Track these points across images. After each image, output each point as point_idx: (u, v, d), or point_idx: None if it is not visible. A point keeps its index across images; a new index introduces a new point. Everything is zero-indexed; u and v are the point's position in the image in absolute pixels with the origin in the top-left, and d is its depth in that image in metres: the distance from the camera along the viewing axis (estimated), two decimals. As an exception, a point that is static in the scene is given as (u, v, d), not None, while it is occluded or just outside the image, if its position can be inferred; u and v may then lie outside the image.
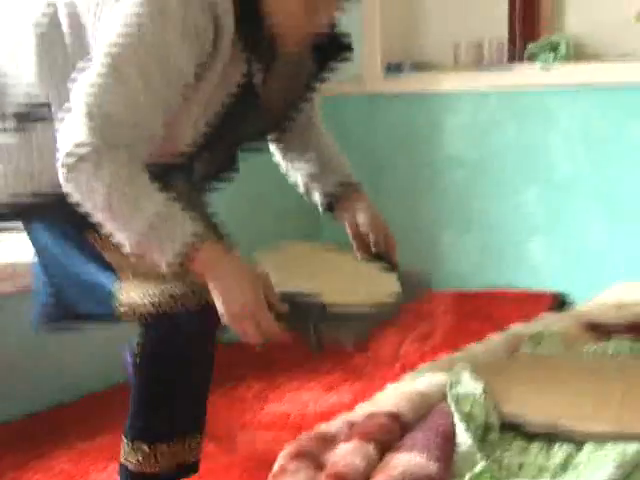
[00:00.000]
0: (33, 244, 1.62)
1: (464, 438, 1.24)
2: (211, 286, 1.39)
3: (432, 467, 1.14)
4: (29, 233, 1.60)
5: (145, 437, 1.46)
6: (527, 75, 2.89)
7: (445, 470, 1.16)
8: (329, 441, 1.21)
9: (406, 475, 1.10)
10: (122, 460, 1.47)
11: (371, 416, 1.26)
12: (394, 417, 1.27)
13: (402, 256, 2.79)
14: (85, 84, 1.35)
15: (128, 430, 1.48)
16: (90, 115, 1.34)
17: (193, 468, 1.48)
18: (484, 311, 2.85)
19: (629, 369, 1.56)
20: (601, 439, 1.25)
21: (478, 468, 1.17)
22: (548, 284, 2.93)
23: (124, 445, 1.48)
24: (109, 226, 1.39)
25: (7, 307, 2.24)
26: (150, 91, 1.39)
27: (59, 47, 1.45)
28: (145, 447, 1.44)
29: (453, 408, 1.32)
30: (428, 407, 1.35)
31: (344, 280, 1.60)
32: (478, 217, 3.18)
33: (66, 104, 1.38)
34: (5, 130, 1.49)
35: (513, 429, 1.32)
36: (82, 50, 1.43)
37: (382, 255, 1.70)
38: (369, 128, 3.28)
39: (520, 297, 2.90)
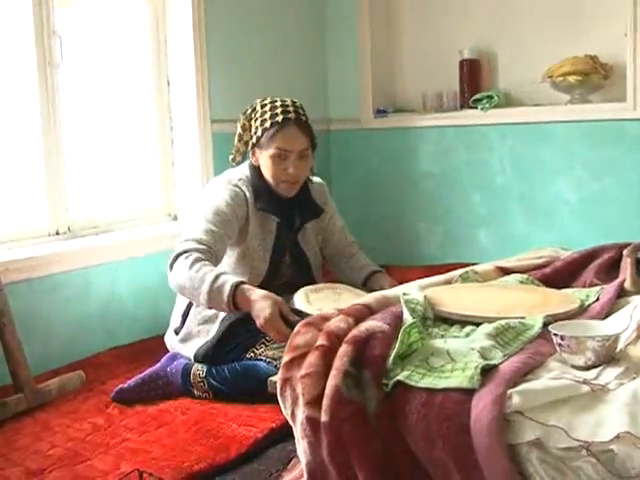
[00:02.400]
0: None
1: (408, 317, 1.61)
2: (251, 313, 2.18)
3: (384, 326, 1.54)
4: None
5: None
6: (473, 116, 3.66)
7: (392, 330, 1.55)
8: (326, 318, 1.65)
9: (368, 328, 1.53)
10: None
11: (352, 305, 1.70)
12: (366, 306, 1.71)
13: (390, 241, 3.64)
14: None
15: None
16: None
17: None
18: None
19: (510, 288, 2.02)
20: (489, 320, 1.66)
21: (409, 322, 1.55)
22: (490, 259, 3.27)
23: None
24: (193, 297, 2.31)
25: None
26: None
27: None
28: None
29: (403, 304, 1.68)
30: (388, 305, 1.74)
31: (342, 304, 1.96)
32: (442, 213, 3.79)
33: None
34: None
35: (443, 320, 1.76)
36: None
37: None
38: (365, 154, 4.00)
39: (472, 268, 3.65)
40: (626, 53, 3.30)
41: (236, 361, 2.37)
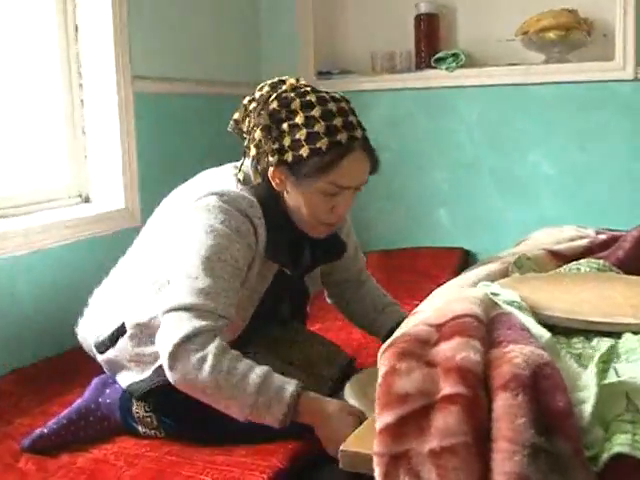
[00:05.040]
0: None
1: (541, 331, 1.10)
2: (319, 431, 1.50)
3: (543, 354, 0.99)
4: None
5: None
6: (435, 77, 3.19)
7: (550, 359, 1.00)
8: (425, 342, 1.04)
9: (529, 362, 0.95)
10: None
11: (455, 318, 1.08)
12: (476, 318, 1.10)
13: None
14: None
15: None
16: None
17: None
18: (409, 265, 3.10)
19: (615, 278, 1.54)
20: (630, 329, 1.16)
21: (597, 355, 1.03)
22: (455, 242, 3.18)
23: None
24: (221, 404, 1.49)
25: None
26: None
27: None
28: None
29: (513, 310, 1.17)
30: (488, 310, 1.19)
31: None
32: (399, 191, 3.35)
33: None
34: None
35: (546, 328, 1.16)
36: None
37: None
38: None
39: (436, 252, 3.15)
40: (615, 7, 2.91)
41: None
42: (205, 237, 1.56)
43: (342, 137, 1.57)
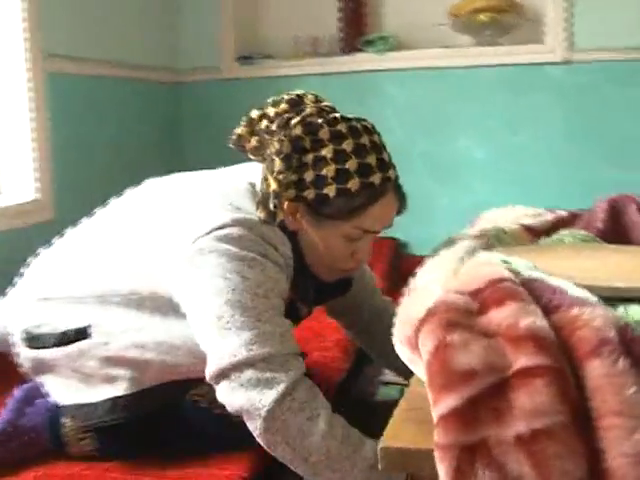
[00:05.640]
0: None
1: (588, 295, 0.90)
2: None
3: (618, 316, 0.84)
4: None
5: None
6: (363, 61, 3.04)
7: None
8: (467, 311, 0.86)
9: (611, 324, 0.79)
10: None
11: (493, 282, 0.90)
12: (514, 282, 0.92)
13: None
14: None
15: None
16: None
17: None
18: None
19: (609, 248, 1.43)
20: None
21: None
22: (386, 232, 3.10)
23: None
24: (325, 475, 1.22)
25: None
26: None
27: None
28: None
29: (542, 275, 0.97)
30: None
31: None
32: None
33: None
34: None
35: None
36: None
37: None
38: (227, 109, 3.10)
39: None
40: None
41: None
42: (249, 271, 1.29)
43: (376, 179, 1.33)
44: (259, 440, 1.25)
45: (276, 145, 1.33)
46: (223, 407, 1.28)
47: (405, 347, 0.91)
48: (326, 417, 1.24)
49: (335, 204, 1.33)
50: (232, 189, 1.39)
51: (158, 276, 1.36)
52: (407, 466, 0.78)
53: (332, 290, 1.55)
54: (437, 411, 0.73)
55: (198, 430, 1.40)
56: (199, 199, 1.39)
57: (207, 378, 1.27)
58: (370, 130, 1.39)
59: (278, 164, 1.31)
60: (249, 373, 1.23)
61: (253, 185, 1.40)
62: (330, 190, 1.31)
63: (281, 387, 1.22)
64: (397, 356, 1.46)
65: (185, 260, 1.30)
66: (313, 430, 1.22)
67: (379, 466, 0.79)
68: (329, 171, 1.31)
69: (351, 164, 1.31)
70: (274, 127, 1.36)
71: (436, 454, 0.72)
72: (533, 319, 0.79)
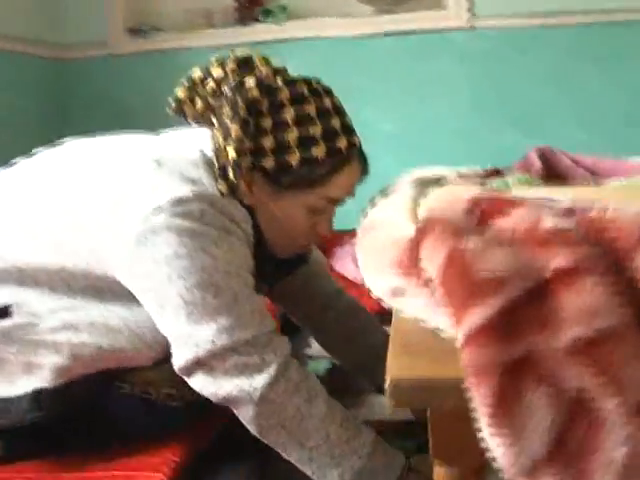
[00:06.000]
0: None
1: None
2: None
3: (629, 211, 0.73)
4: None
5: None
6: (262, 32, 2.92)
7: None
8: (467, 223, 0.74)
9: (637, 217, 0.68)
10: None
11: (480, 199, 0.77)
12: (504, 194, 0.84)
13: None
14: None
15: None
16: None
17: None
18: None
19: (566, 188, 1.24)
20: None
21: None
22: None
23: None
24: (322, 461, 1.11)
25: None
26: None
27: None
28: None
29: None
30: None
31: None
32: None
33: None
34: None
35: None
36: None
37: None
38: (117, 87, 3.06)
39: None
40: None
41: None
42: (217, 249, 1.12)
43: (342, 144, 1.21)
44: (250, 427, 1.12)
45: (229, 109, 1.16)
46: (148, 390, 1.20)
47: (389, 274, 0.77)
48: (324, 398, 1.13)
49: (298, 173, 1.19)
50: (182, 158, 1.19)
51: (94, 254, 1.15)
52: (424, 400, 0.64)
53: (287, 266, 1.40)
54: (463, 329, 0.60)
55: (122, 418, 1.23)
56: (144, 167, 1.17)
57: (176, 369, 1.11)
58: (330, 92, 1.27)
59: (235, 130, 1.15)
60: (233, 359, 1.08)
61: (205, 154, 1.20)
62: (293, 158, 1.18)
63: (272, 368, 1.09)
64: (361, 351, 1.45)
65: (135, 239, 1.09)
66: (312, 412, 1.10)
67: (388, 405, 0.64)
68: (291, 137, 1.18)
69: (315, 129, 1.19)
70: (226, 89, 1.19)
71: (468, 380, 0.58)
72: (554, 218, 0.68)
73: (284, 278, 1.44)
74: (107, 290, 1.17)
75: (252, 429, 1.12)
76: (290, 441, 1.11)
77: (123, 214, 1.11)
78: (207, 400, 1.13)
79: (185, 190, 1.10)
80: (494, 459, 0.58)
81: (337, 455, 1.11)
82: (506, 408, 0.56)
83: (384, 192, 1.39)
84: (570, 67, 2.77)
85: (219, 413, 1.22)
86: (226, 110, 1.17)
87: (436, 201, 0.83)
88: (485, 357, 0.58)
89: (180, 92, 1.24)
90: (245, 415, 1.11)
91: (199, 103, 1.23)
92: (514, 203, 0.74)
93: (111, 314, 1.17)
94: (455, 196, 0.79)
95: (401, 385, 0.64)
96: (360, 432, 1.14)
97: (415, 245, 0.70)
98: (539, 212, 0.70)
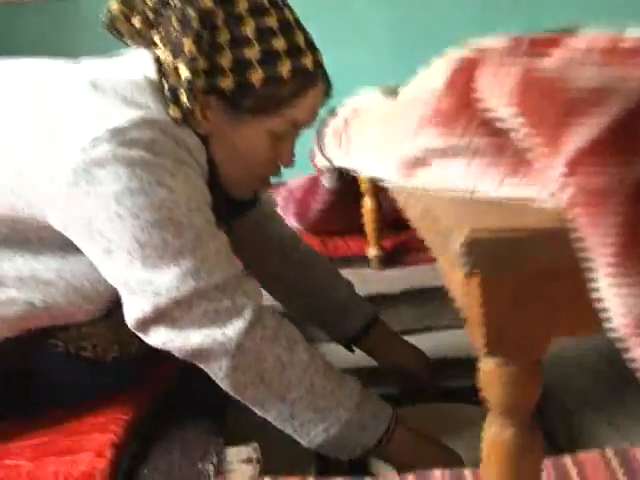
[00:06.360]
0: None
1: None
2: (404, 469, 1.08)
3: None
4: None
5: None
6: None
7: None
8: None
9: None
10: None
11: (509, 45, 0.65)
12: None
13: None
14: None
15: None
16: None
17: None
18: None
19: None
20: None
21: None
22: None
23: None
24: (305, 416, 1.01)
25: None
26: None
27: None
28: None
29: None
30: None
31: None
32: None
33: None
34: None
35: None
36: None
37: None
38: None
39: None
40: None
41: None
42: (173, 181, 0.97)
43: (307, 62, 1.07)
44: (223, 383, 1.00)
45: (178, 22, 0.99)
46: (84, 346, 1.10)
47: (414, 138, 0.63)
48: (305, 346, 1.03)
49: (261, 94, 1.05)
50: (123, 80, 1.01)
51: (20, 196, 0.98)
52: (505, 259, 0.51)
53: (237, 208, 1.26)
54: (566, 154, 0.47)
55: (59, 379, 1.12)
56: (78, 91, 1.00)
57: (131, 323, 0.98)
58: (287, 4, 1.10)
59: (189, 45, 0.98)
60: (202, 306, 0.96)
61: (148, 77, 1.03)
62: (255, 76, 1.03)
63: (247, 314, 0.97)
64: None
65: (72, 175, 0.93)
66: (294, 361, 1.00)
67: (464, 267, 0.51)
68: (252, 53, 1.02)
69: (279, 43, 1.04)
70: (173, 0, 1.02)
71: (580, 218, 0.46)
72: (630, 38, 0.55)
73: (235, 220, 1.28)
74: (35, 239, 1.01)
75: (225, 386, 1.00)
76: (269, 396, 1.00)
77: (55, 147, 0.95)
78: (153, 350, 1.00)
79: (131, 115, 0.94)
80: (609, 319, 0.47)
81: (322, 408, 1.01)
82: (636, 243, 0.44)
83: (332, 112, 1.28)
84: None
85: (168, 363, 1.12)
86: (175, 23, 1.00)
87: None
88: (603, 180, 0.45)
89: (113, 4, 1.06)
90: (217, 370, 0.99)
91: (136, 19, 1.06)
92: (560, 41, 0.61)
93: (41, 266, 1.02)
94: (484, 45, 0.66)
95: (481, 242, 0.51)
96: (345, 381, 1.04)
97: (461, 82, 0.56)
98: (604, 38, 0.57)
